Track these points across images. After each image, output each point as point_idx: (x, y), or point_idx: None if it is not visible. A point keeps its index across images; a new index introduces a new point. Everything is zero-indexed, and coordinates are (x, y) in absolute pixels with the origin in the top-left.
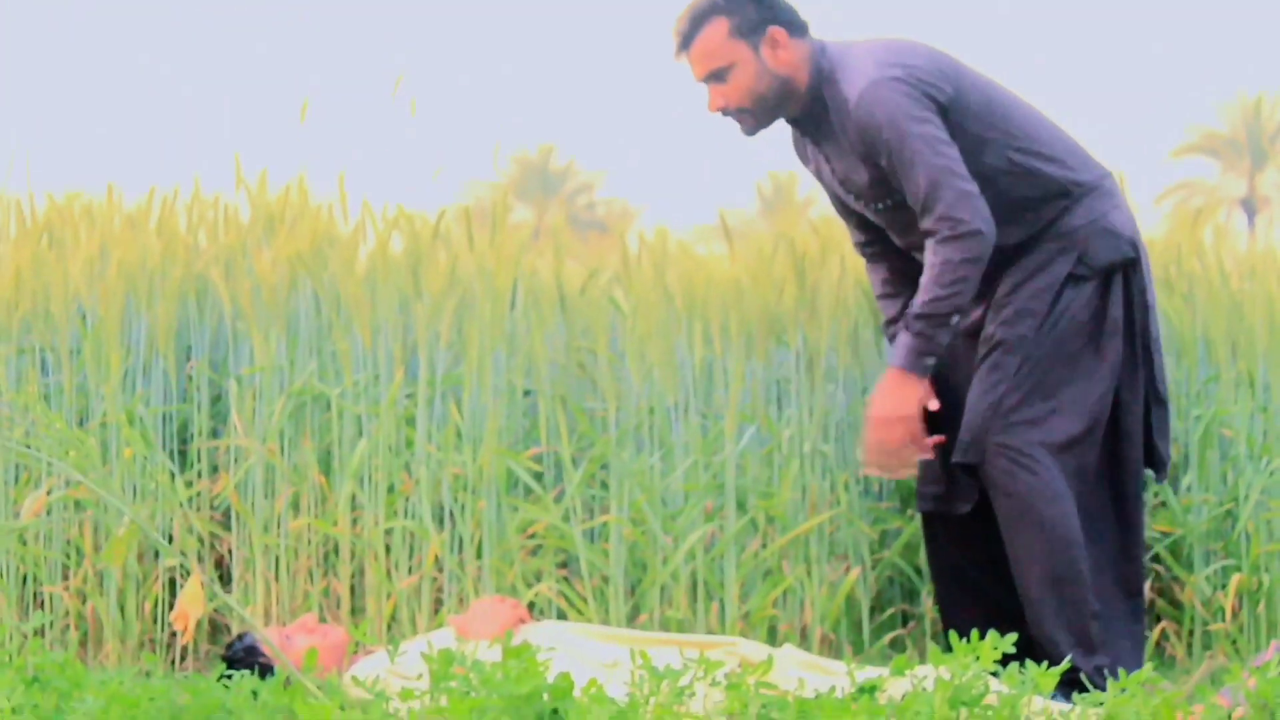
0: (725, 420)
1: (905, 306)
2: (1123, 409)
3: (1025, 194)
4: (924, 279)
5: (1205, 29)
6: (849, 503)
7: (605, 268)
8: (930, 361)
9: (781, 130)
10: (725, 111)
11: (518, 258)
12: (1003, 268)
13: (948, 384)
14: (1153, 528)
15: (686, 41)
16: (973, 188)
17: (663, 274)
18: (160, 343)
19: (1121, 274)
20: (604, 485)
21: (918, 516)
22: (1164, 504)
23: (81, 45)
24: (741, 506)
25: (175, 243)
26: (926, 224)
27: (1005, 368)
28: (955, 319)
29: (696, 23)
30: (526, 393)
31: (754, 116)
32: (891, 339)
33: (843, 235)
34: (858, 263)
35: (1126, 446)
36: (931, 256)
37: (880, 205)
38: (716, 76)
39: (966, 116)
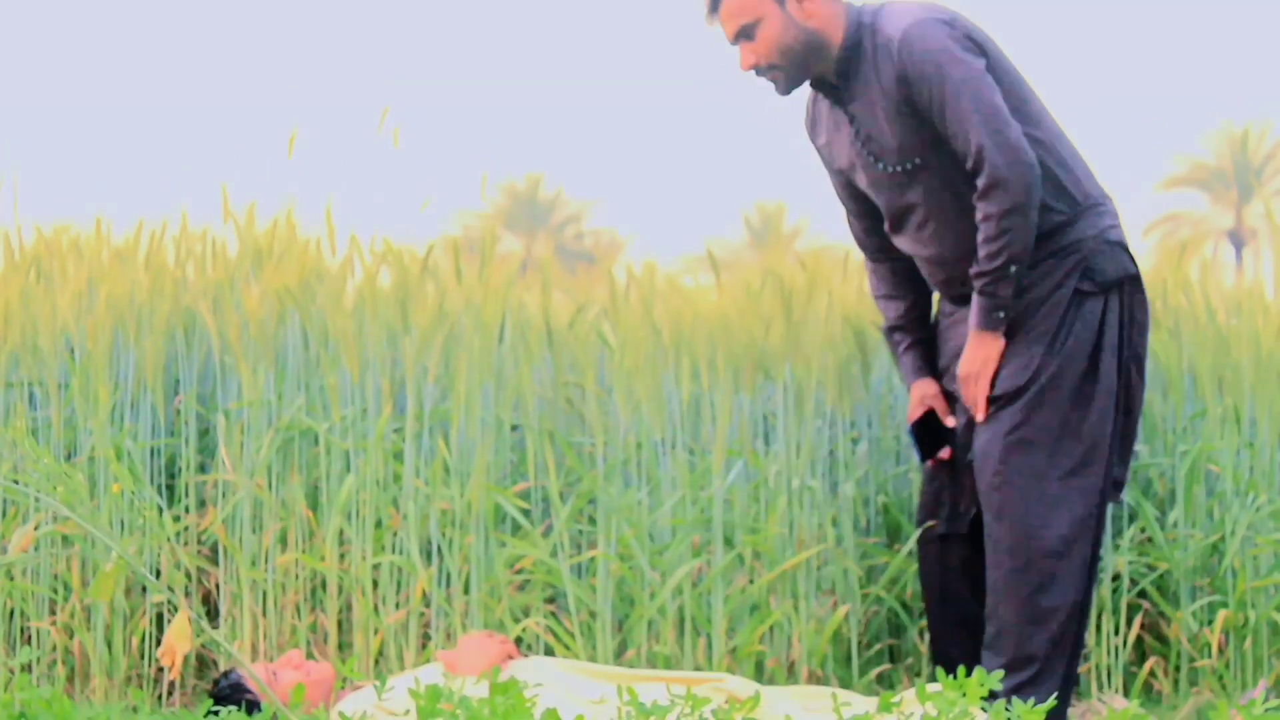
0: (713, 455)
1: (907, 310)
2: None
3: None
4: (982, 253)
5: (1192, 59)
6: (836, 538)
7: (593, 302)
8: (1001, 315)
9: (772, 159)
10: (758, 71)
11: (506, 292)
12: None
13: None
14: (1140, 563)
15: (715, 3)
16: (1013, 130)
17: (650, 308)
18: (148, 377)
19: (1120, 291)
20: (591, 520)
21: (905, 552)
22: (1150, 539)
23: (69, 76)
24: (729, 542)
25: (163, 276)
26: (969, 165)
27: (1015, 391)
28: (1013, 269)
29: None
30: (514, 427)
31: (784, 73)
32: (894, 345)
33: (830, 269)
34: (845, 297)
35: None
36: (977, 212)
37: (904, 165)
38: (745, 34)
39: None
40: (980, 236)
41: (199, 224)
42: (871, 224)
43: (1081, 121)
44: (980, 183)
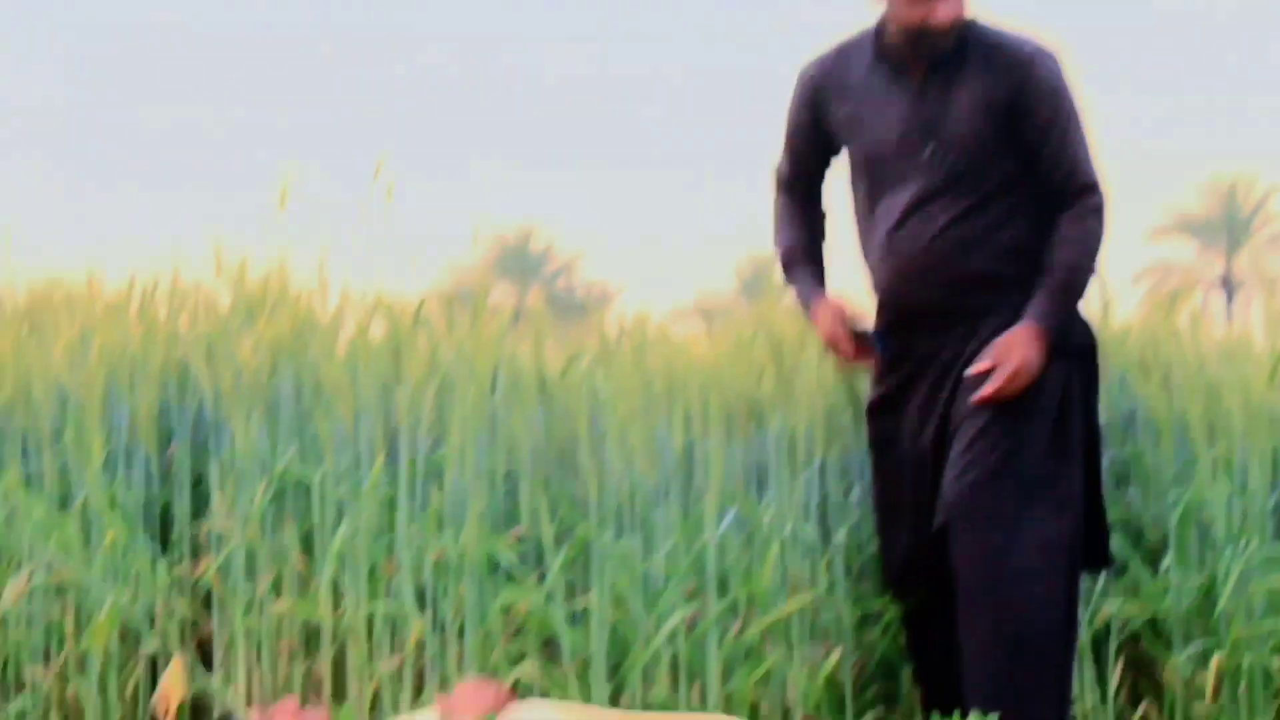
0: (706, 503)
1: (809, 240)
2: None
3: (1035, 237)
4: (1063, 252)
5: (1179, 109)
6: (829, 585)
7: (585, 352)
8: (1057, 320)
9: (764, 209)
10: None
11: (498, 343)
12: (978, 321)
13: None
14: (1131, 606)
15: None
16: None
17: (642, 358)
18: (141, 428)
19: (1080, 361)
20: (585, 568)
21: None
22: (1140, 588)
23: (59, 130)
24: (722, 588)
25: (156, 329)
26: (1066, 188)
27: (988, 435)
28: (1082, 275)
29: None
30: (507, 476)
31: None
32: (789, 271)
33: None
34: None
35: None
36: (1069, 229)
37: (959, 157)
38: None
39: None
40: (1070, 253)
41: (190, 278)
42: (811, 180)
43: None
44: (1074, 187)
